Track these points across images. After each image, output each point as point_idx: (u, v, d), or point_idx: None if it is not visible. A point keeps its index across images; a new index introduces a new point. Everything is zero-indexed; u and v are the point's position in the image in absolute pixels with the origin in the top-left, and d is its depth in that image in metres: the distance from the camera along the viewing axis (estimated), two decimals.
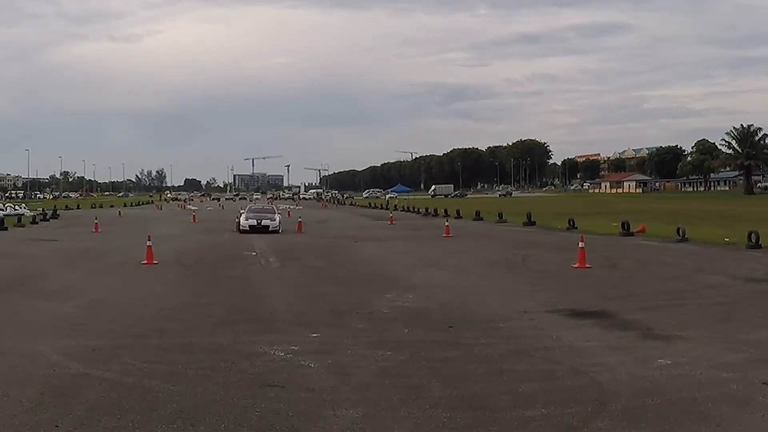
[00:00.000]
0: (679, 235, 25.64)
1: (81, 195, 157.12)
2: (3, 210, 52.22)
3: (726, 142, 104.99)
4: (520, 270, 18.34)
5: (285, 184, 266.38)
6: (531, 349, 9.22)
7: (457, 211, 47.88)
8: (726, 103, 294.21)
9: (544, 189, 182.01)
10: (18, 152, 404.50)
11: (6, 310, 12.51)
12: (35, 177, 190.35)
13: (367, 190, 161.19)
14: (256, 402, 6.98)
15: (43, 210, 54.53)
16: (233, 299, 13.74)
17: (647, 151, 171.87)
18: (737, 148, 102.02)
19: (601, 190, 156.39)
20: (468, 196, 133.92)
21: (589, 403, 6.89)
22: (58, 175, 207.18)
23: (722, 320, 11.04)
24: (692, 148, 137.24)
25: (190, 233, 34.92)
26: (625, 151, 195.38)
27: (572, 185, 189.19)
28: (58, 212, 54.79)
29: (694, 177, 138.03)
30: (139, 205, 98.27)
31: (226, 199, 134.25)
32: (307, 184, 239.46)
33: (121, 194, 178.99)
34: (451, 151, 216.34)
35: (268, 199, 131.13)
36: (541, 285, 15.40)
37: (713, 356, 8.63)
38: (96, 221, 37.96)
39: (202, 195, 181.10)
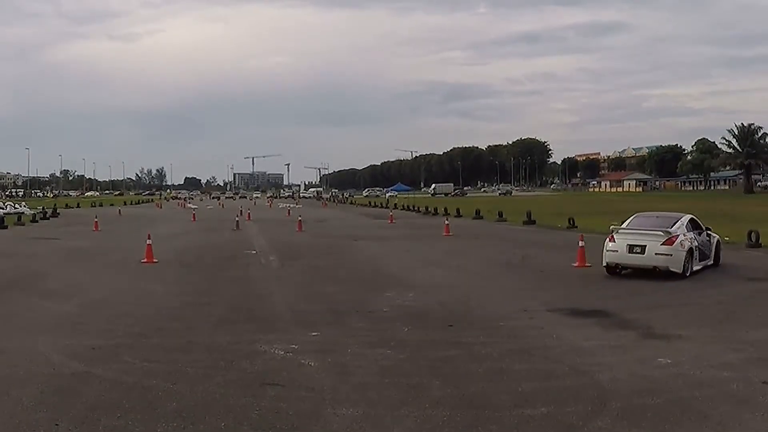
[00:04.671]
0: None
1: (80, 194, 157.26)
2: (3, 208, 52.21)
3: (726, 141, 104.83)
4: (521, 269, 18.34)
5: (285, 182, 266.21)
6: (531, 348, 9.22)
7: (457, 210, 47.88)
8: (725, 103, 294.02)
9: (543, 187, 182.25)
10: (18, 151, 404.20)
11: (6, 309, 12.51)
12: (35, 175, 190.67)
13: (367, 189, 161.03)
14: (256, 401, 6.99)
15: (43, 208, 54.51)
16: (233, 298, 13.75)
17: (647, 150, 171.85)
18: (737, 147, 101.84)
19: (601, 189, 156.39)
20: (468, 194, 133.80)
21: (590, 402, 6.90)
22: (58, 174, 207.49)
23: (722, 319, 11.05)
24: (692, 147, 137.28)
25: (190, 232, 34.91)
26: (625, 150, 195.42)
27: (571, 183, 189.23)
28: (58, 211, 54.82)
29: (694, 176, 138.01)
30: (138, 203, 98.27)
31: (226, 197, 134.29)
32: (307, 183, 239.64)
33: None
34: (451, 150, 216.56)
35: (268, 197, 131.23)
36: (542, 284, 15.39)
37: (713, 355, 8.64)
38: (96, 220, 37.97)
39: (204, 193, 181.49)
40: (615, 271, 16.28)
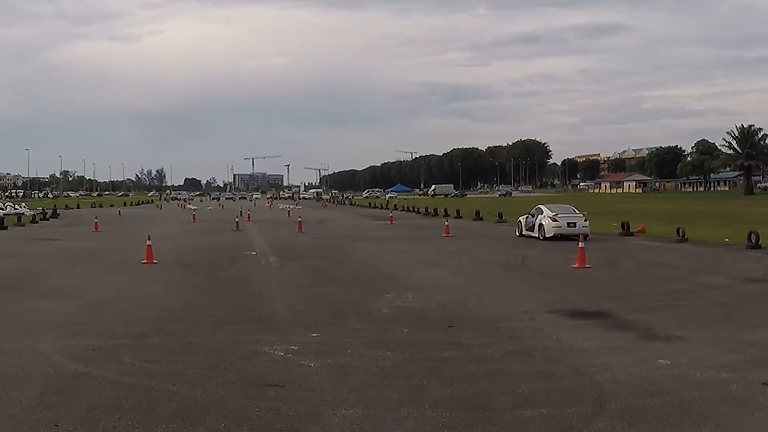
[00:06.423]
0: (679, 236, 25.64)
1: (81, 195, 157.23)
2: (3, 209, 52.19)
3: (726, 142, 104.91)
4: (520, 270, 18.34)
5: (285, 183, 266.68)
6: (531, 349, 9.22)
7: (457, 211, 47.86)
8: (725, 104, 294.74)
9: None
10: (18, 151, 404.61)
11: (6, 309, 12.51)
12: (35, 176, 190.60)
13: (366, 190, 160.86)
14: (256, 402, 6.99)
15: (43, 209, 54.51)
16: (233, 299, 13.75)
17: (647, 152, 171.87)
18: (737, 148, 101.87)
19: (601, 190, 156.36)
20: (467, 195, 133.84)
21: (589, 403, 6.90)
22: (58, 175, 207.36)
23: (722, 321, 11.04)
24: (692, 148, 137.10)
25: (190, 233, 34.92)
26: (625, 151, 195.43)
27: (571, 185, 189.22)
28: (58, 211, 54.80)
29: (694, 177, 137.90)
30: (139, 204, 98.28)
31: (226, 198, 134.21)
32: (307, 184, 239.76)
33: (121, 193, 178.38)
34: (451, 151, 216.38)
35: (268, 198, 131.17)
36: (541, 285, 15.40)
37: (713, 357, 8.64)
38: (96, 221, 37.97)
39: (204, 194, 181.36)
40: (556, 238, 25.83)
